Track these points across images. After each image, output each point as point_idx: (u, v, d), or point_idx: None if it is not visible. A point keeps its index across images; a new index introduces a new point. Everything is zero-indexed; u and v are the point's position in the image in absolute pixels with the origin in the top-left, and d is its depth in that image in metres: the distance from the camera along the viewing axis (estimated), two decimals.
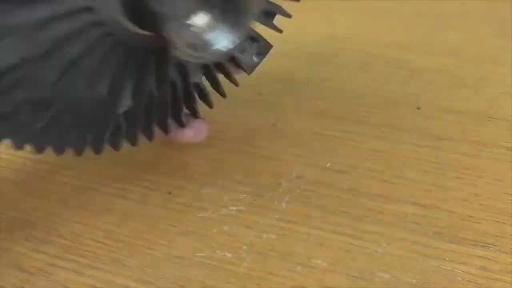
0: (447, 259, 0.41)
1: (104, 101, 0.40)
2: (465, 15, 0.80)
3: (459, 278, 0.40)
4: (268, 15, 0.48)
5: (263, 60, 0.49)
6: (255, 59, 0.50)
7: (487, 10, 0.80)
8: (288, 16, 0.48)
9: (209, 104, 0.49)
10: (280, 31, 0.48)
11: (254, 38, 0.49)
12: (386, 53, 0.67)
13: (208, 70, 0.48)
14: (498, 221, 0.44)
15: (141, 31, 0.40)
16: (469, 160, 0.51)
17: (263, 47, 0.50)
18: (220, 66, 0.48)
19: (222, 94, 0.50)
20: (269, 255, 0.41)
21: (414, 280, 0.40)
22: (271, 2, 0.48)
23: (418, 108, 0.58)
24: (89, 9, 0.36)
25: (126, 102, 0.41)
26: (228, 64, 0.49)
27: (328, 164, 0.49)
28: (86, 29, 0.37)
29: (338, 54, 0.67)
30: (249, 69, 0.50)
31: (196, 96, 0.49)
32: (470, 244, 0.42)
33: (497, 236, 0.43)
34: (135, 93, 0.42)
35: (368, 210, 0.46)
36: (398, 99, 0.60)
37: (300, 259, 0.42)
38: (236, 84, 0.50)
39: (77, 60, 0.38)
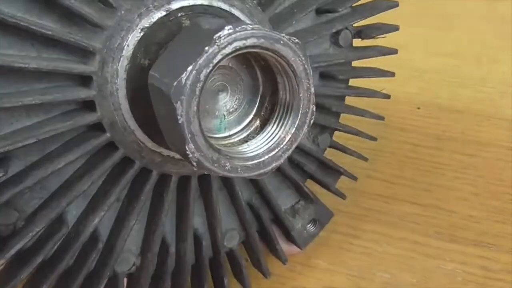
0: (447, 259, 0.41)
1: None
2: (465, 15, 0.80)
3: (459, 278, 0.40)
4: None
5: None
6: (310, 228, 0.40)
7: (487, 10, 0.80)
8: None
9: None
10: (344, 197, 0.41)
11: (311, 199, 0.39)
12: None
13: (249, 240, 0.38)
14: (498, 221, 0.44)
15: None
16: (469, 160, 0.51)
17: (322, 214, 0.40)
18: (264, 234, 0.38)
19: (264, 273, 0.39)
20: (269, 255, 0.41)
21: (414, 280, 0.40)
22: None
23: (418, 108, 0.58)
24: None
25: None
26: (274, 232, 0.38)
27: None
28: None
29: None
30: (302, 241, 0.40)
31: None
32: (470, 244, 0.42)
33: (497, 236, 0.43)
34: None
35: (368, 210, 0.46)
36: (398, 99, 0.60)
37: (300, 259, 0.41)
38: (283, 261, 0.39)
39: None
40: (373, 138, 0.41)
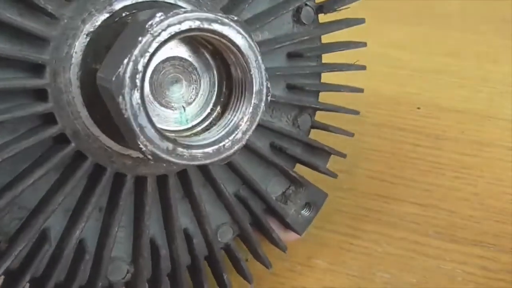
0: (447, 259, 0.41)
1: None
2: (465, 15, 0.80)
3: (459, 278, 0.40)
4: None
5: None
6: (305, 213, 0.40)
7: (487, 10, 0.80)
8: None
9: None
10: (335, 176, 0.41)
11: (301, 183, 0.39)
12: (386, 53, 0.67)
13: (243, 233, 0.37)
14: (498, 221, 0.44)
15: None
16: (469, 160, 0.51)
17: (315, 196, 0.40)
18: (259, 224, 0.38)
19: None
20: (269, 255, 0.41)
21: (414, 280, 0.40)
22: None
23: (418, 108, 0.58)
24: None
25: None
26: (267, 219, 0.38)
27: (328, 164, 0.49)
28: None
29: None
30: (299, 227, 0.39)
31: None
32: (470, 244, 0.42)
33: (497, 236, 0.43)
34: None
35: (368, 210, 0.46)
36: (398, 99, 0.60)
37: (300, 259, 0.41)
38: (282, 249, 0.39)
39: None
40: (355, 112, 0.41)
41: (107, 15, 0.29)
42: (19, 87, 0.28)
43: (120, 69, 0.25)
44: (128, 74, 0.25)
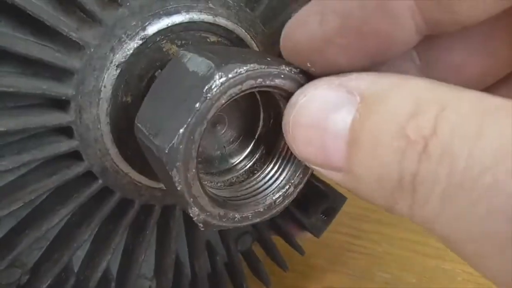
0: (447, 259, 0.41)
1: None
2: None
3: (459, 278, 0.40)
4: None
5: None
6: (324, 216, 0.39)
7: None
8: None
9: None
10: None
11: (319, 189, 0.39)
12: None
13: (261, 236, 0.38)
14: None
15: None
16: None
17: (334, 201, 0.39)
18: (277, 229, 0.38)
19: (283, 266, 0.39)
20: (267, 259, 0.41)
21: (414, 280, 0.40)
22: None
23: None
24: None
25: None
26: (287, 225, 0.38)
27: None
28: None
29: None
30: (317, 231, 0.39)
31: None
32: None
33: None
34: None
35: (368, 210, 0.46)
36: None
37: (301, 259, 0.42)
38: (300, 252, 0.40)
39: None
40: None
41: (140, 42, 0.26)
42: (40, 126, 0.25)
43: (174, 141, 0.21)
44: (183, 146, 0.21)
